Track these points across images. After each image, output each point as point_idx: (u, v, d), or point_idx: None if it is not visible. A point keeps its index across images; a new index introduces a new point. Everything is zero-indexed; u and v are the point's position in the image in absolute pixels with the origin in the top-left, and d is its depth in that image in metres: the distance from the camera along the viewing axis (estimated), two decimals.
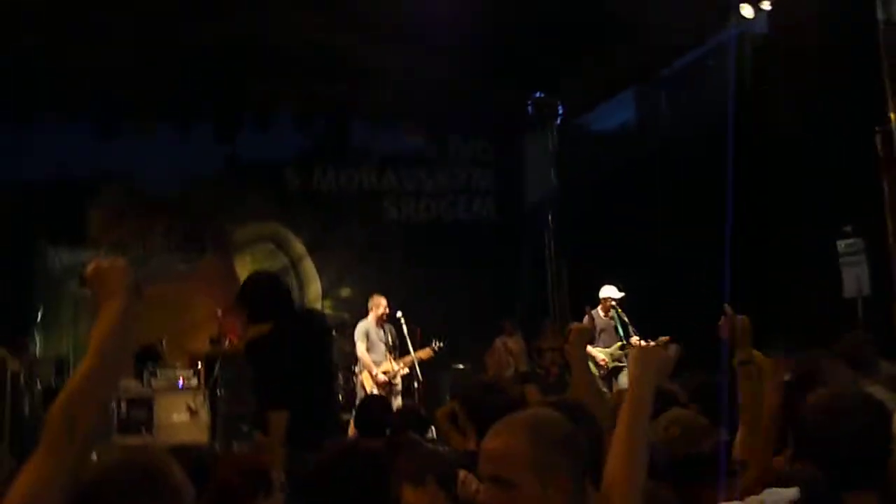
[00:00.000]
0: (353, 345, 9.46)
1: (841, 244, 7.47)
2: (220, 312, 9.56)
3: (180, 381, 9.18)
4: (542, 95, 11.84)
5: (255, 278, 4.86)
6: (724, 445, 2.83)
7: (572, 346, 3.22)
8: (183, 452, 3.38)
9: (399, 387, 9.08)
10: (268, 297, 4.43)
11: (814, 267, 7.70)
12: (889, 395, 3.39)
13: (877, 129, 7.57)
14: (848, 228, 7.48)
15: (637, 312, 9.05)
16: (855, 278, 7.20)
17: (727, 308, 3.36)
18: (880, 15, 7.67)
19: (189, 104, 10.88)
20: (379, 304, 9.04)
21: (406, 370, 8.99)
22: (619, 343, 8.70)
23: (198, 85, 10.37)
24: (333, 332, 5.00)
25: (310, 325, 4.56)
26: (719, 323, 3.38)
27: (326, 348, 4.66)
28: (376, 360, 8.90)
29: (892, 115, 7.51)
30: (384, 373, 8.84)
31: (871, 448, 2.07)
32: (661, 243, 10.23)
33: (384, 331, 9.03)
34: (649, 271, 10.00)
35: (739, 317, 3.31)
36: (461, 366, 10.75)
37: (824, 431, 2.09)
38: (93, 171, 11.17)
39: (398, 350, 9.11)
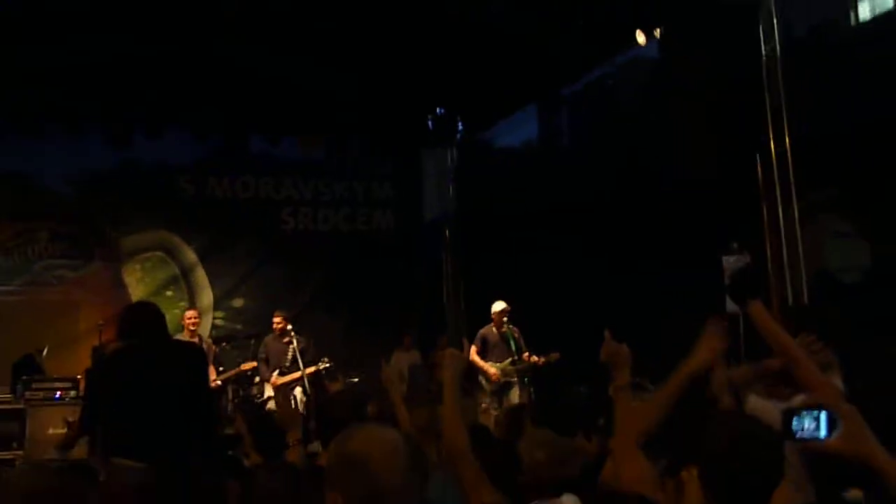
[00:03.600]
0: (246, 357, 9.82)
1: (727, 260, 7.73)
2: (101, 322, 9.25)
3: (57, 393, 8.76)
4: (443, 112, 11.91)
5: (129, 307, 4.85)
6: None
7: (445, 369, 3.17)
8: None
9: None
10: (130, 323, 4.39)
11: (699, 281, 7.98)
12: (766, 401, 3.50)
13: (757, 155, 7.92)
14: (735, 245, 7.75)
15: (533, 330, 9.16)
16: None
17: (606, 334, 3.40)
18: (763, 48, 8.04)
19: (80, 106, 10.49)
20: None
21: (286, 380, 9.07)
22: (510, 359, 8.77)
23: (90, 87, 10.03)
24: (200, 370, 4.71)
25: (165, 354, 4.36)
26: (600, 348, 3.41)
27: (182, 378, 4.36)
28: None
29: (771, 144, 7.86)
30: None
31: (769, 476, 2.15)
32: (558, 259, 10.41)
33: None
34: (546, 288, 10.16)
35: (620, 344, 3.35)
36: (356, 379, 10.66)
37: (728, 457, 2.13)
38: None
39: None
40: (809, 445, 1.87)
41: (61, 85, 9.87)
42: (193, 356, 4.78)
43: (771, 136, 7.92)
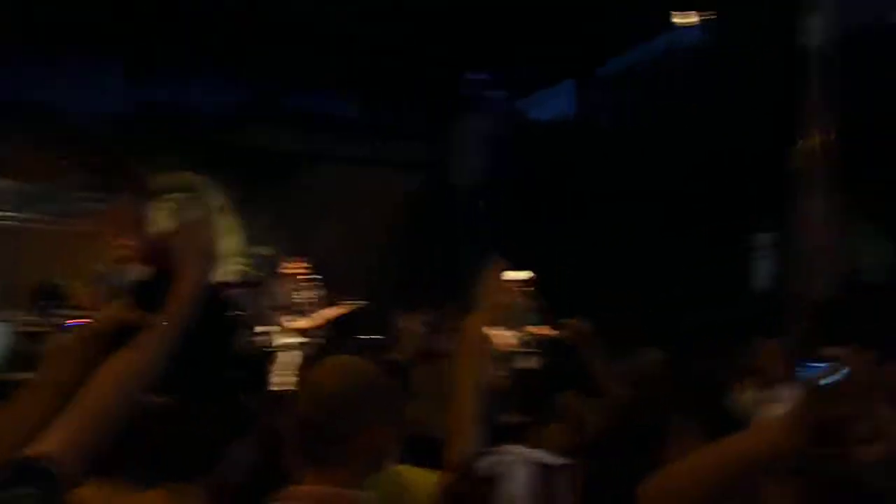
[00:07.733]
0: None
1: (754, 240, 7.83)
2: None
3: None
4: (479, 78, 11.89)
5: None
6: None
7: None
8: None
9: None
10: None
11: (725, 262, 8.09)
12: None
13: (797, 144, 7.95)
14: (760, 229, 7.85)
15: (560, 300, 9.21)
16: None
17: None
18: (804, 38, 8.03)
19: (105, 39, 10.40)
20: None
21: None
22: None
23: (118, 21, 9.91)
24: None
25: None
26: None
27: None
28: None
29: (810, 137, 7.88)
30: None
31: None
32: (591, 235, 10.47)
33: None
34: (577, 261, 10.23)
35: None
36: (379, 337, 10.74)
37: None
38: None
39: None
40: None
41: (85, 13, 9.70)
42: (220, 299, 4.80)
43: (809, 129, 7.94)
